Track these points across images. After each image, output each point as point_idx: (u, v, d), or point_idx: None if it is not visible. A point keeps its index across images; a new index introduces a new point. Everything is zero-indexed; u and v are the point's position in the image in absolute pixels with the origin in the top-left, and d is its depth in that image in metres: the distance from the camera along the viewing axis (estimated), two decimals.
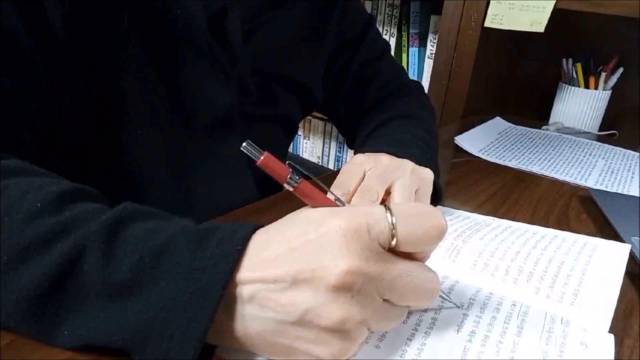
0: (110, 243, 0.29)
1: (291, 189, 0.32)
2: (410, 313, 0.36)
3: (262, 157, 0.31)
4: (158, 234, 0.29)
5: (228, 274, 0.27)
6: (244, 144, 0.31)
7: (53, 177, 0.34)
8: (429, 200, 0.50)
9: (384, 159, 0.48)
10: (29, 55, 0.39)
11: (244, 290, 0.28)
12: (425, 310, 0.37)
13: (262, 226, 0.31)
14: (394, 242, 0.29)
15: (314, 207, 0.32)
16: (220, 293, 0.27)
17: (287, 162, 0.32)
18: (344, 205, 0.33)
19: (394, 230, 0.29)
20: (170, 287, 0.27)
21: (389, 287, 0.29)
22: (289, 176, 0.32)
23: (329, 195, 0.33)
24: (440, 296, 0.36)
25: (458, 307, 0.37)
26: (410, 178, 0.46)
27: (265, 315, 0.28)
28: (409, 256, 0.30)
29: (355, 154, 0.56)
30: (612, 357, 0.34)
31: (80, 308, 0.28)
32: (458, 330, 0.35)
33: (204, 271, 0.27)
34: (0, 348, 0.30)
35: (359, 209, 0.30)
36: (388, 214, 0.29)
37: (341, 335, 0.28)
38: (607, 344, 0.35)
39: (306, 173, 0.32)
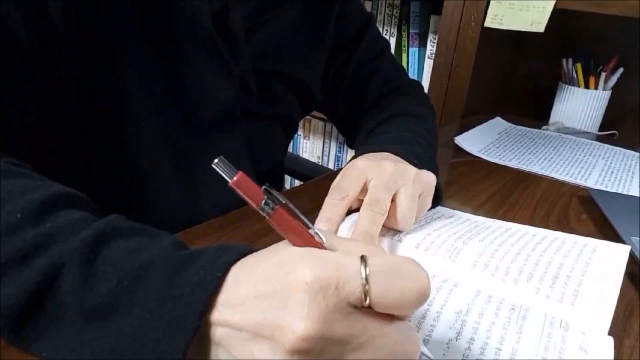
0: (89, 262, 0.28)
1: (265, 216, 0.28)
2: None
3: (236, 177, 0.28)
4: (138, 255, 0.28)
5: (204, 304, 0.26)
6: (216, 160, 0.28)
7: (37, 179, 0.33)
8: (430, 204, 0.51)
9: (387, 166, 0.47)
10: (25, 47, 0.39)
11: (215, 332, 0.27)
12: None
13: (252, 251, 0.29)
14: (367, 303, 0.25)
15: (290, 241, 0.29)
16: (196, 324, 0.26)
17: (263, 187, 0.28)
18: (322, 240, 0.29)
19: (367, 287, 0.25)
20: (145, 315, 0.26)
21: (357, 350, 0.26)
22: (263, 202, 0.28)
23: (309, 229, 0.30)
24: (422, 353, 0.31)
25: None
26: (413, 186, 0.46)
27: None
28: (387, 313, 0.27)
29: (356, 152, 0.55)
30: None
31: (57, 328, 0.28)
32: (457, 338, 0.35)
33: (179, 300, 0.26)
34: (0, 348, 0.30)
35: (331, 258, 0.27)
36: (362, 269, 0.25)
37: None
38: (607, 347, 0.35)
39: (284, 201, 0.29)
